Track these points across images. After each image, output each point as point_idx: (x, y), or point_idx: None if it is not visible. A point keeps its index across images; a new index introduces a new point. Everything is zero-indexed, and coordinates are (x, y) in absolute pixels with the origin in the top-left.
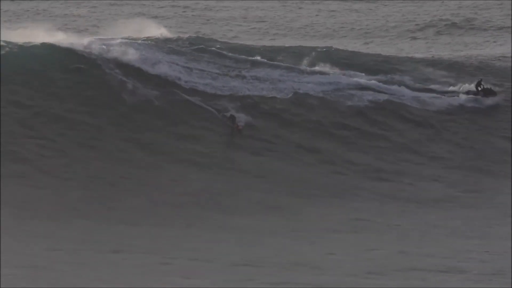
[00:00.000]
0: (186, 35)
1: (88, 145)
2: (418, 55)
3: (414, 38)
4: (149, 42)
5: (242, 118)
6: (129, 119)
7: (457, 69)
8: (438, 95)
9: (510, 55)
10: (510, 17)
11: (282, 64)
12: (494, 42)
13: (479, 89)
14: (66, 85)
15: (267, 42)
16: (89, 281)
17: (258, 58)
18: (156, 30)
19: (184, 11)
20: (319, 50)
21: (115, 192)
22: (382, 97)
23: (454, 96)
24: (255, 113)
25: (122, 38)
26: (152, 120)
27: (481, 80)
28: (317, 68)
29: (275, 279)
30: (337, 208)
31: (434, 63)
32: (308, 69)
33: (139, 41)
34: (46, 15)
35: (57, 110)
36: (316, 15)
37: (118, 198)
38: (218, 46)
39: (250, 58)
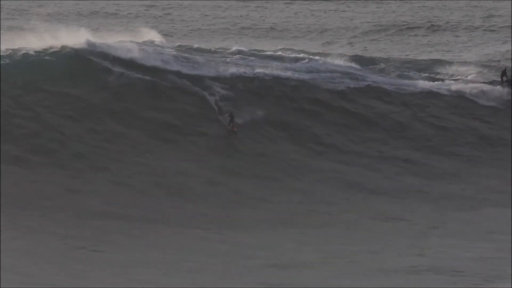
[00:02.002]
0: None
1: (66, 115)
2: (392, 54)
3: (378, 40)
4: (138, 41)
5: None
6: (113, 95)
7: (436, 64)
8: (417, 80)
9: (478, 58)
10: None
11: (266, 53)
12: (464, 44)
13: (504, 79)
14: (57, 71)
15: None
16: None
17: (243, 49)
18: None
19: (151, 11)
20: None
21: (82, 169)
22: (362, 83)
23: (434, 82)
24: (236, 91)
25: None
26: (137, 96)
27: (505, 69)
28: (300, 55)
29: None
30: (298, 196)
31: (411, 60)
32: (292, 56)
33: (126, 38)
34: (20, 15)
35: (45, 86)
36: (286, 17)
37: (82, 180)
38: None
39: (235, 49)
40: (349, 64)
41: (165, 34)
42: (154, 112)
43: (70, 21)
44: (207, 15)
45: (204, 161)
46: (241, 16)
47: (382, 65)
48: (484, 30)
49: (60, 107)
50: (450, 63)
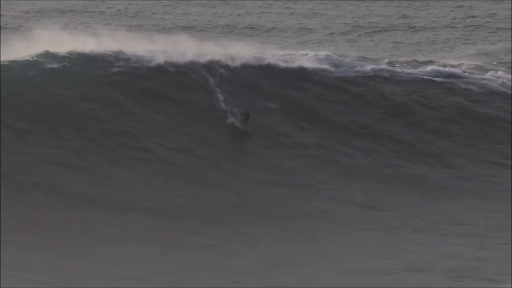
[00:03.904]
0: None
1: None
2: (378, 54)
3: (358, 40)
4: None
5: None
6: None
7: (426, 59)
8: (410, 69)
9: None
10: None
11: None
12: (448, 43)
13: None
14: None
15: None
16: None
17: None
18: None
19: (131, 9)
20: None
21: (69, 140)
22: (356, 71)
23: (427, 70)
24: (235, 75)
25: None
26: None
27: None
28: (294, 52)
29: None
30: (277, 178)
31: (399, 59)
32: (286, 51)
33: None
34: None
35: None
36: (265, 16)
37: (71, 152)
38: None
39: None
40: (342, 58)
41: (149, 34)
42: (151, 83)
43: (49, 19)
44: (184, 14)
45: (187, 146)
46: (214, 13)
47: (375, 59)
48: (470, 30)
49: (57, 81)
50: (440, 59)
